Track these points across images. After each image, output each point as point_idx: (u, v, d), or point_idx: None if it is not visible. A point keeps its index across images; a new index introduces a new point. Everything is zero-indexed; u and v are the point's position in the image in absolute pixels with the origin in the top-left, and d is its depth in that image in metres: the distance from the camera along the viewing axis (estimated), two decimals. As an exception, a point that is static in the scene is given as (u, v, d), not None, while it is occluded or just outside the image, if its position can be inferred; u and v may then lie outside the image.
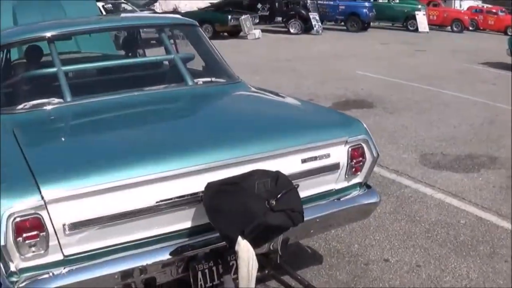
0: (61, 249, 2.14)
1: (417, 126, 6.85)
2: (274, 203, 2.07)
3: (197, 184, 2.28)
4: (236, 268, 2.43)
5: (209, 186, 2.23)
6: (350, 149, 2.71)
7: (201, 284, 2.43)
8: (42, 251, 2.10)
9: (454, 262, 3.54)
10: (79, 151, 2.41)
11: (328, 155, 2.65)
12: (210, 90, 3.39)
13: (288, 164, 2.48)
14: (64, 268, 2.15)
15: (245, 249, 2.04)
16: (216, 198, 2.14)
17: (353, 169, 2.79)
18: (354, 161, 2.75)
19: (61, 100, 2.91)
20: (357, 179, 2.87)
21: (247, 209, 2.06)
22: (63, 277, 2.13)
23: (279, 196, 2.09)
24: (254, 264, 2.04)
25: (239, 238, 2.05)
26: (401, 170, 5.23)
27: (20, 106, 2.87)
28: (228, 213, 2.09)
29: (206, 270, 2.43)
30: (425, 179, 5.03)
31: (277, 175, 2.19)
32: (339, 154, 2.69)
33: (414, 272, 3.41)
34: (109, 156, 2.32)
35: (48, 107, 2.85)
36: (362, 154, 2.77)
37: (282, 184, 2.16)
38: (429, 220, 4.14)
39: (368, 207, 2.93)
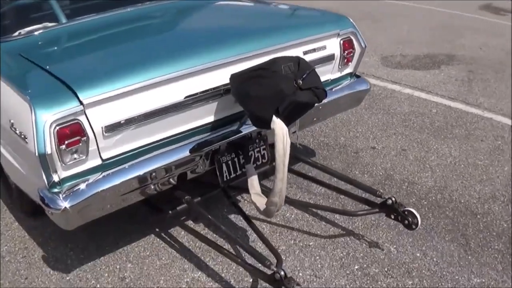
0: (99, 153, 2.25)
1: (373, 33, 7.11)
2: (301, 82, 2.25)
3: (220, 78, 2.45)
4: (256, 157, 2.68)
5: (236, 76, 2.39)
6: (341, 41, 2.98)
7: (226, 176, 2.63)
8: (83, 157, 2.20)
9: (435, 144, 3.89)
10: (103, 59, 2.48)
11: (324, 47, 2.89)
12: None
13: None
14: (103, 172, 2.28)
15: (280, 127, 2.21)
16: (247, 84, 2.29)
17: (345, 60, 3.05)
18: (346, 52, 3.02)
19: (55, 23, 2.92)
20: (348, 69, 3.15)
21: (279, 89, 2.20)
22: (104, 181, 2.25)
23: (304, 76, 2.27)
24: (287, 140, 2.22)
25: (274, 117, 2.23)
26: (366, 72, 5.47)
27: (16, 33, 2.85)
28: (261, 96, 2.23)
29: (229, 162, 2.63)
30: (390, 78, 5.34)
31: (298, 59, 2.36)
32: (333, 46, 2.96)
33: (402, 155, 3.73)
34: (137, 59, 2.42)
35: (45, 30, 2.85)
36: (352, 46, 3.04)
37: (304, 66, 2.33)
38: (403, 112, 4.47)
39: (361, 94, 3.23)
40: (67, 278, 2.65)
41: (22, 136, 2.13)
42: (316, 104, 2.39)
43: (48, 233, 2.99)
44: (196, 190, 2.75)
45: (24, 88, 2.17)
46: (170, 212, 2.63)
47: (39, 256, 2.81)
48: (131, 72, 2.28)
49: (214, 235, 2.88)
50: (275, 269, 2.19)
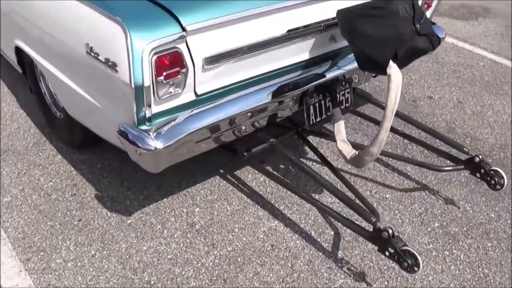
0: (194, 88, 1.96)
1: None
2: (418, 27, 2.02)
3: (322, 13, 2.16)
4: (343, 101, 2.44)
5: (345, 12, 2.12)
6: None
7: (312, 119, 2.39)
8: (179, 91, 1.91)
9: (488, 99, 3.69)
10: None
11: None
12: None
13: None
14: (196, 109, 2.00)
15: (396, 72, 2.00)
16: (361, 23, 2.04)
17: (426, 5, 2.78)
18: None
19: None
20: (428, 15, 2.86)
21: (399, 32, 1.99)
22: (198, 119, 1.98)
23: (421, 20, 2.03)
24: (400, 88, 2.02)
25: (391, 61, 1.99)
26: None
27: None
28: (379, 37, 1.99)
29: (317, 104, 2.38)
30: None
31: (412, 1, 2.11)
32: None
33: (459, 108, 3.53)
34: None
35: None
36: None
37: (418, 10, 2.09)
38: (452, 62, 4.24)
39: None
40: (128, 221, 2.40)
41: (110, 63, 1.80)
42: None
43: (98, 169, 2.71)
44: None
45: (114, 9, 1.82)
46: (245, 153, 2.38)
47: (92, 195, 2.54)
48: None
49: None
50: (381, 227, 1.99)
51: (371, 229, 2.06)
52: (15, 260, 2.19)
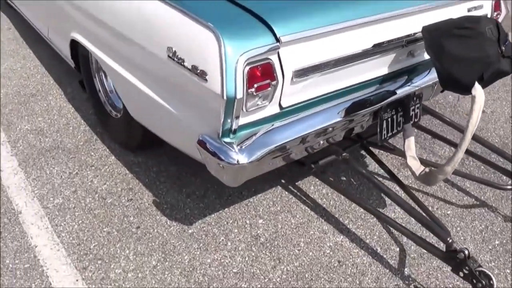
0: (280, 100, 1.84)
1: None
2: (504, 49, 1.94)
3: (405, 28, 2.07)
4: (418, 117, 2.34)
5: (432, 29, 2.05)
6: (493, 2, 2.62)
7: (384, 133, 2.28)
8: (266, 103, 1.79)
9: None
10: None
11: (481, 6, 2.53)
12: None
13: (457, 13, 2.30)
14: (278, 122, 1.88)
15: (480, 93, 1.93)
16: (449, 42, 1.96)
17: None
18: (495, 13, 2.69)
19: None
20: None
21: (486, 54, 1.93)
22: (281, 132, 1.87)
23: (506, 42, 1.96)
24: (482, 109, 1.94)
25: (476, 83, 1.91)
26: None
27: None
28: (466, 57, 1.93)
29: (389, 119, 2.28)
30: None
31: (496, 22, 2.04)
32: (488, 6, 2.59)
33: (511, 122, 3.42)
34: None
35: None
36: (500, 8, 2.73)
37: (502, 31, 2.02)
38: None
39: None
40: (190, 231, 2.29)
41: (198, 71, 1.68)
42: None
43: (154, 173, 2.60)
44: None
45: (205, 14, 1.70)
46: (312, 165, 2.27)
47: (149, 201, 2.43)
48: (329, 11, 1.86)
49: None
50: (457, 247, 1.90)
51: (442, 247, 1.98)
52: (71, 268, 2.09)
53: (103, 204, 2.40)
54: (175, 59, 1.76)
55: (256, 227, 2.32)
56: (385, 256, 2.24)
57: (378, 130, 2.24)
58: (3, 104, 3.10)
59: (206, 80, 1.66)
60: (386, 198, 2.44)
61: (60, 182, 2.52)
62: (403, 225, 2.22)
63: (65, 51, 2.82)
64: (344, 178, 2.65)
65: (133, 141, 2.58)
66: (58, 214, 2.34)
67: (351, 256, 2.23)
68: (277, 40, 1.68)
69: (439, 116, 2.81)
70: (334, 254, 2.23)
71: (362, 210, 2.43)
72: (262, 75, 1.69)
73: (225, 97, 1.62)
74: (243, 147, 1.77)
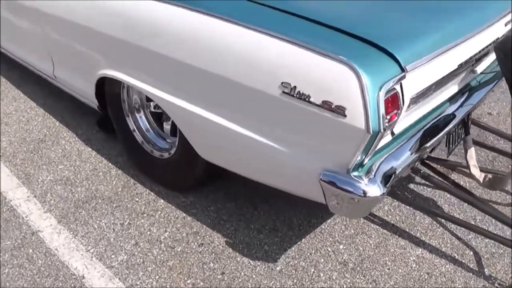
0: (393, 127, 1.79)
1: None
2: None
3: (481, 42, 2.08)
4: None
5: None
6: None
7: (450, 147, 2.31)
8: (387, 132, 1.73)
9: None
10: (397, 15, 1.91)
11: None
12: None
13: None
14: (393, 148, 1.83)
15: None
16: None
17: None
18: None
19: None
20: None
21: None
22: (396, 158, 1.81)
23: None
24: None
25: None
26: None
27: None
28: None
29: (454, 134, 2.31)
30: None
31: None
32: None
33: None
34: (437, 17, 1.92)
35: None
36: None
37: None
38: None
39: None
40: (277, 268, 2.16)
41: (333, 107, 1.58)
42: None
43: (212, 212, 2.43)
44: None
45: (332, 48, 1.60)
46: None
47: (222, 243, 2.26)
48: (443, 29, 1.83)
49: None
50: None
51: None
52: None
53: (174, 254, 2.18)
54: (295, 95, 1.63)
55: (340, 253, 2.24)
56: (463, 261, 2.26)
57: (446, 145, 2.26)
58: (12, 154, 2.73)
59: (344, 115, 1.56)
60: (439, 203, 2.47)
61: (115, 236, 2.26)
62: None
63: (86, 90, 2.54)
64: (399, 192, 2.65)
65: (187, 181, 2.39)
66: (129, 272, 2.09)
67: (435, 267, 2.22)
68: (402, 69, 1.62)
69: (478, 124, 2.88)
70: (421, 268, 2.21)
71: (428, 221, 2.43)
72: (392, 106, 1.62)
73: (371, 131, 1.53)
74: (371, 178, 1.69)
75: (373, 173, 1.70)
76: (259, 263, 2.16)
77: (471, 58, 2.04)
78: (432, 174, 2.27)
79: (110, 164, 2.68)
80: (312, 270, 2.15)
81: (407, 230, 2.40)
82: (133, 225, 2.31)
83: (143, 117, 2.53)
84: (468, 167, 2.33)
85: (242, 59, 1.74)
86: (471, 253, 2.31)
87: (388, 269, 2.18)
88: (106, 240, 2.23)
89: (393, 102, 1.62)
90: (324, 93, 1.58)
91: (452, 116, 2.08)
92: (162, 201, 2.45)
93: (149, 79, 2.11)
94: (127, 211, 2.39)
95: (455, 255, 2.28)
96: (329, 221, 2.41)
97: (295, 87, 1.63)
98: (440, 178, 2.26)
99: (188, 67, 1.89)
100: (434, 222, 2.43)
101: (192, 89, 1.95)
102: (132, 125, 2.52)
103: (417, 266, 2.21)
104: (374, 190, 1.66)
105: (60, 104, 3.08)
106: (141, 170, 2.59)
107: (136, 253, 2.17)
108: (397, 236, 2.36)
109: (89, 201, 2.44)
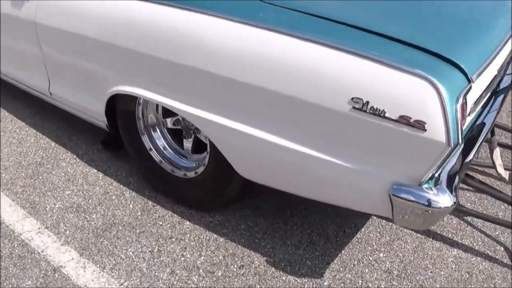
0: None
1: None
2: None
3: None
4: None
5: None
6: None
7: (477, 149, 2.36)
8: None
9: None
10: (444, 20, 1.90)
11: None
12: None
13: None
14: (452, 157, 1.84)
15: None
16: None
17: None
18: None
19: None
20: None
21: None
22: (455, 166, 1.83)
23: None
24: None
25: None
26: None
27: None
28: None
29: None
30: None
31: None
32: None
33: None
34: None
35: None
36: None
37: None
38: None
39: None
40: (325, 284, 2.12)
41: (411, 121, 1.56)
42: None
43: (245, 230, 2.35)
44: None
45: (404, 62, 1.57)
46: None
47: (263, 263, 2.19)
48: (489, 38, 1.84)
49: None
50: None
51: None
52: None
53: (216, 279, 2.09)
54: (367, 110, 1.60)
55: (382, 261, 2.24)
56: (497, 256, 2.32)
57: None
58: (10, 181, 2.50)
59: (424, 130, 1.54)
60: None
61: (147, 266, 2.13)
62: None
63: (93, 108, 2.37)
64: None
65: (219, 200, 2.29)
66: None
67: (473, 265, 2.27)
68: (469, 80, 1.63)
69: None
70: (460, 268, 2.25)
71: (455, 221, 2.48)
72: (462, 118, 1.63)
73: (451, 144, 1.53)
74: (439, 189, 1.69)
75: (440, 184, 1.69)
76: (306, 280, 2.11)
77: (504, 61, 2.09)
78: (469, 178, 2.31)
79: (121, 186, 2.52)
80: (360, 281, 2.13)
81: (439, 232, 2.43)
82: (164, 251, 2.19)
83: (159, 134, 2.39)
84: (494, 166, 2.40)
85: (305, 75, 1.67)
86: (502, 248, 2.38)
87: (431, 272, 2.20)
88: (138, 270, 2.09)
89: (462, 114, 1.62)
90: (401, 108, 1.55)
91: (486, 120, 2.12)
92: (188, 222, 2.34)
93: (180, 96, 1.99)
94: (152, 236, 2.25)
95: (488, 251, 2.34)
96: (363, 229, 2.39)
97: (367, 102, 1.59)
98: (478, 181, 2.30)
99: (235, 84, 1.79)
100: (461, 222, 2.48)
101: (239, 106, 1.85)
102: (148, 144, 2.37)
103: (457, 267, 2.24)
104: (447, 200, 1.66)
105: (52, 122, 2.86)
106: (159, 191, 2.45)
107: (175, 283, 2.05)
108: (431, 239, 2.38)
109: (108, 228, 2.28)
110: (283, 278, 2.11)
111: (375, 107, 1.58)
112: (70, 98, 2.47)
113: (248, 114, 1.84)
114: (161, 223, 2.33)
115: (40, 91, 2.62)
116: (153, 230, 2.28)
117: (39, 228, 2.26)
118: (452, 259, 2.28)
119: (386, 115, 1.57)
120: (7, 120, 2.96)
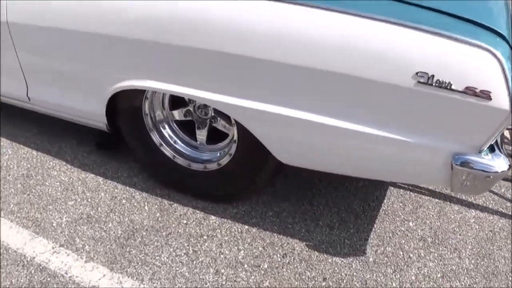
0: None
1: None
2: None
3: None
4: None
5: None
6: None
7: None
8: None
9: None
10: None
11: None
12: None
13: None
14: None
15: None
16: None
17: None
18: None
19: None
20: None
21: None
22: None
23: None
24: None
25: None
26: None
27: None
28: None
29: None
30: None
31: None
32: None
33: None
34: None
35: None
36: None
37: None
38: None
39: None
40: (370, 259, 2.25)
41: (477, 92, 1.71)
42: None
43: (273, 217, 2.41)
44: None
45: (465, 33, 1.71)
46: None
47: (304, 248, 2.27)
48: None
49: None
50: None
51: None
52: None
53: (264, 272, 2.15)
54: (433, 84, 1.71)
55: (413, 230, 2.42)
56: (509, 212, 2.61)
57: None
58: (1, 200, 2.33)
59: (490, 99, 1.69)
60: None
61: (188, 270, 2.13)
62: None
63: (89, 109, 2.28)
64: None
65: (245, 190, 2.32)
66: (228, 304, 2.02)
67: (493, 223, 2.51)
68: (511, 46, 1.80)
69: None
70: (483, 227, 2.50)
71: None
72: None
73: (513, 111, 1.70)
74: (495, 154, 1.88)
75: (496, 150, 1.88)
76: (351, 259, 2.23)
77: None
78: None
79: (128, 188, 2.45)
80: (401, 253, 2.29)
81: (453, 195, 2.67)
82: (200, 251, 2.19)
83: (167, 128, 2.36)
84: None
85: (369, 54, 1.75)
86: (510, 204, 2.67)
87: (460, 235, 2.42)
88: (180, 276, 2.09)
89: None
90: (466, 79, 1.69)
91: None
92: (213, 217, 2.35)
93: (211, 85, 1.98)
94: (182, 237, 2.25)
95: (501, 209, 2.62)
96: (385, 201, 2.56)
97: (432, 76, 1.70)
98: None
99: (286, 67, 1.83)
100: (469, 181, 2.73)
101: (287, 91, 1.89)
102: (157, 139, 2.33)
103: (479, 227, 2.49)
104: (503, 164, 1.84)
105: (24, 129, 2.67)
106: (172, 187, 2.42)
107: (223, 283, 2.08)
108: (449, 203, 2.61)
109: (131, 236, 2.23)
110: (329, 260, 2.21)
111: (440, 80, 1.69)
112: (55, 101, 2.34)
113: (295, 99, 1.89)
114: (185, 221, 2.31)
115: (15, 97, 2.44)
116: (180, 231, 2.27)
117: (53, 248, 2.15)
118: (473, 220, 2.51)
119: (452, 87, 1.69)
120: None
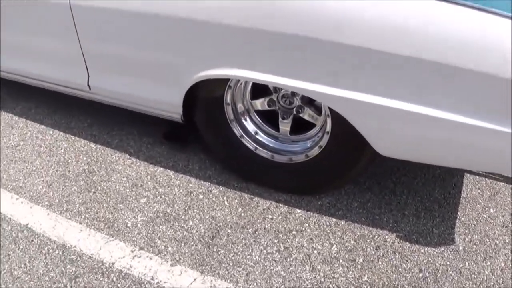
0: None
1: None
2: None
3: None
4: None
5: None
6: None
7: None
8: None
9: None
10: None
11: None
12: None
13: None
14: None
15: None
16: None
17: None
18: None
19: None
20: None
21: None
22: None
23: None
24: None
25: None
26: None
27: None
28: None
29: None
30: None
31: None
32: None
33: None
34: None
35: None
36: None
37: None
38: None
39: None
40: (460, 248, 2.25)
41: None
42: None
43: (360, 208, 2.39)
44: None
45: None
46: None
47: (395, 240, 2.25)
48: None
49: None
50: None
51: None
52: None
53: (361, 267, 2.12)
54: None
55: (495, 217, 2.41)
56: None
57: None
58: (64, 200, 2.21)
59: None
60: None
61: (283, 268, 2.07)
62: None
63: (164, 99, 2.17)
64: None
65: (334, 182, 2.28)
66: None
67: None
68: None
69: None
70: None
71: None
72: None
73: None
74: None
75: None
76: (442, 249, 2.23)
77: None
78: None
79: (202, 182, 2.36)
80: (487, 240, 2.30)
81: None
82: (292, 248, 2.14)
83: (248, 119, 2.29)
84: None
85: (470, 45, 1.71)
86: None
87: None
88: (276, 275, 2.04)
89: None
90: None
91: None
92: (298, 210, 2.30)
93: (308, 75, 1.91)
94: (270, 233, 2.19)
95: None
96: (463, 188, 2.56)
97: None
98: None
99: (393, 58, 1.77)
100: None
101: (392, 83, 1.84)
102: (238, 131, 2.25)
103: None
104: None
105: (77, 119, 2.52)
106: (252, 180, 2.35)
107: (322, 280, 2.04)
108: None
109: (216, 234, 2.16)
110: (422, 251, 2.20)
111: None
112: (122, 90, 2.21)
113: (403, 90, 1.84)
114: (270, 216, 2.25)
115: (76, 86, 2.29)
116: (266, 226, 2.21)
117: (132, 251, 2.05)
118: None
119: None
120: (20, 126, 2.53)
